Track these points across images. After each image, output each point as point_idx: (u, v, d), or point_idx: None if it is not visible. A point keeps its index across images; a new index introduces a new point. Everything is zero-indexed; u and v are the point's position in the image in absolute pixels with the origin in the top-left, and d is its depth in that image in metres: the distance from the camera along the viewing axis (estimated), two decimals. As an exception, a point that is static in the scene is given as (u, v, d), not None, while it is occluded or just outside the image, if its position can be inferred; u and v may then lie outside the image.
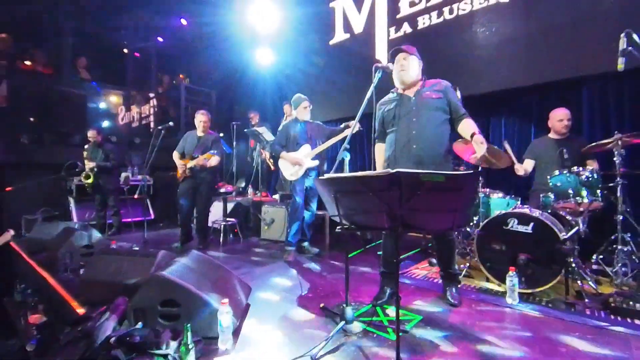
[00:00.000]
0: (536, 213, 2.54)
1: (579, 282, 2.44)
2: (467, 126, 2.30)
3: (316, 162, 3.65)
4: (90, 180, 4.48)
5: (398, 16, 4.53)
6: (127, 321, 1.95)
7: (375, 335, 1.96)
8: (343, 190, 1.37)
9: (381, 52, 4.70)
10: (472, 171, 1.45)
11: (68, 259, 2.89)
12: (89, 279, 2.32)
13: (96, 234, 3.34)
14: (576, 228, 2.56)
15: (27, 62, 5.06)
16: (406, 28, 4.45)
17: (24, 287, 2.57)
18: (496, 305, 2.37)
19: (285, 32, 5.56)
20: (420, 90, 2.38)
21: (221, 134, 4.89)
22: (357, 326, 2.05)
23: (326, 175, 1.41)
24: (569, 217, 2.68)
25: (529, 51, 3.53)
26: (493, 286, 2.67)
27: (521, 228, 2.55)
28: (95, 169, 4.54)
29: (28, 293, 2.53)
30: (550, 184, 2.68)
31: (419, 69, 2.42)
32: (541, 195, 2.87)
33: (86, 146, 4.80)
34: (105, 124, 6.17)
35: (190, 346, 1.66)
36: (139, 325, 1.90)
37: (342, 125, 3.60)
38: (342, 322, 1.99)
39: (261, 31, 5.43)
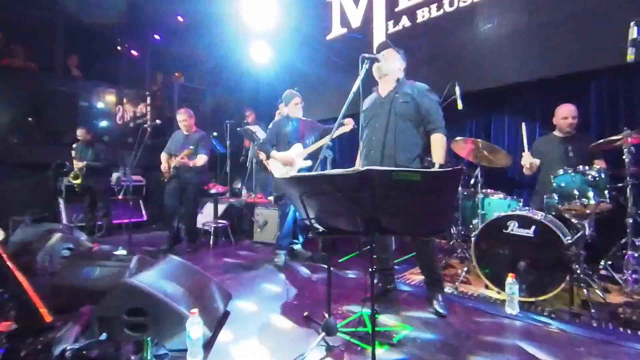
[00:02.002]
0: (538, 215, 2.37)
1: (585, 290, 2.25)
2: (434, 147, 2.21)
3: (309, 162, 3.49)
4: (79, 181, 4.37)
5: (397, 9, 4.36)
6: (90, 332, 1.82)
7: (359, 348, 1.81)
8: (310, 190, 1.23)
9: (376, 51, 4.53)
10: (450, 168, 1.30)
11: (47, 262, 2.79)
12: (59, 284, 2.21)
13: (81, 236, 3.24)
14: (582, 232, 2.36)
15: (15, 60, 4.99)
16: (405, 21, 4.28)
17: (1, 292, 2.47)
18: (494, 314, 2.21)
19: (281, 27, 5.42)
20: (392, 92, 2.31)
21: (215, 133, 4.77)
22: (339, 338, 1.90)
23: (289, 174, 1.27)
24: (574, 220, 2.48)
25: (533, 44, 3.34)
26: (492, 294, 2.50)
27: (522, 232, 2.38)
28: (85, 169, 4.43)
29: (4, 298, 2.43)
30: (554, 184, 2.49)
31: (398, 67, 2.34)
32: (544, 197, 2.68)
33: (75, 145, 4.69)
34: (103, 123, 6.09)
35: (151, 361, 1.52)
36: (103, 336, 1.77)
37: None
38: (323, 334, 1.85)
39: (256, 27, 5.30)
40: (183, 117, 3.82)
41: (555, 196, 2.51)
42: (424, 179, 1.13)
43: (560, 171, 2.49)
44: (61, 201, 4.68)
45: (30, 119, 5.22)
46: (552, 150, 2.91)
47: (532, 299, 2.29)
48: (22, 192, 4.30)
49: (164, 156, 3.86)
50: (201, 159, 3.74)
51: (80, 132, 4.61)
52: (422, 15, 4.12)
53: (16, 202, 4.28)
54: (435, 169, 2.09)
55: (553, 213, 2.55)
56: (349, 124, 3.27)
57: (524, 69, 3.40)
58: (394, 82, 2.33)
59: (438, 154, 2.19)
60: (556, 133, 3.00)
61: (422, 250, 2.32)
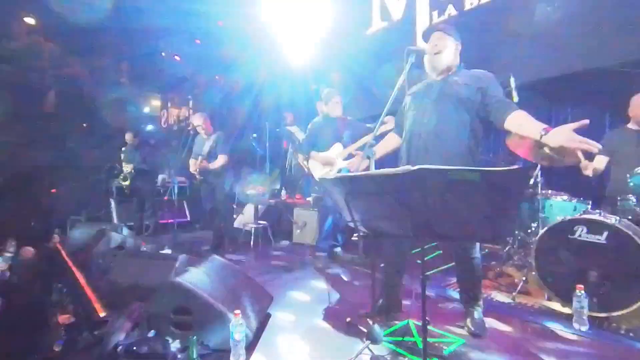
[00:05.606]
0: (612, 220, 2.08)
1: (671, 307, 1.94)
2: (526, 120, 1.68)
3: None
4: (127, 182, 4.65)
5: (441, -3, 4.11)
6: (140, 328, 1.87)
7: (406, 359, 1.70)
8: (355, 191, 1.13)
9: (423, 40, 4.31)
10: (515, 167, 1.15)
11: (100, 259, 2.94)
12: (111, 281, 2.31)
13: (130, 235, 3.38)
14: (667, 239, 2.04)
15: (70, 69, 5.41)
16: (451, 10, 4.02)
17: (60, 287, 2.64)
18: (559, 330, 1.98)
19: (319, 25, 5.36)
20: (449, 76, 1.96)
21: (254, 135, 4.83)
22: (385, 347, 1.80)
23: (333, 174, 1.18)
24: (656, 226, 2.17)
25: (601, 27, 2.96)
26: (555, 306, 2.25)
27: (592, 238, 2.11)
28: (133, 171, 4.71)
29: (64, 293, 2.59)
30: (631, 184, 2.20)
31: (455, 54, 2.00)
32: (618, 199, 2.37)
33: (124, 149, 4.99)
34: (149, 127, 6.43)
35: (196, 361, 1.52)
36: (152, 333, 1.81)
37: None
38: (368, 342, 1.75)
39: (294, 27, 5.29)
40: (198, 122, 3.85)
41: (632, 198, 2.23)
42: (483, 179, 1.00)
43: (638, 169, 2.19)
44: (112, 202, 5.00)
45: (84, 124, 5.65)
46: (627, 145, 2.57)
47: (605, 315, 2.02)
48: (78, 193, 4.65)
49: (192, 162, 3.88)
50: (219, 160, 3.74)
51: (128, 136, 4.94)
52: (471, 2, 3.84)
53: (73, 202, 4.64)
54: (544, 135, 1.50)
55: (629, 217, 2.24)
56: (390, 122, 3.14)
57: (591, 55, 3.02)
58: (453, 67, 2.01)
59: (533, 123, 1.64)
60: (631, 126, 2.65)
61: (464, 267, 2.03)
